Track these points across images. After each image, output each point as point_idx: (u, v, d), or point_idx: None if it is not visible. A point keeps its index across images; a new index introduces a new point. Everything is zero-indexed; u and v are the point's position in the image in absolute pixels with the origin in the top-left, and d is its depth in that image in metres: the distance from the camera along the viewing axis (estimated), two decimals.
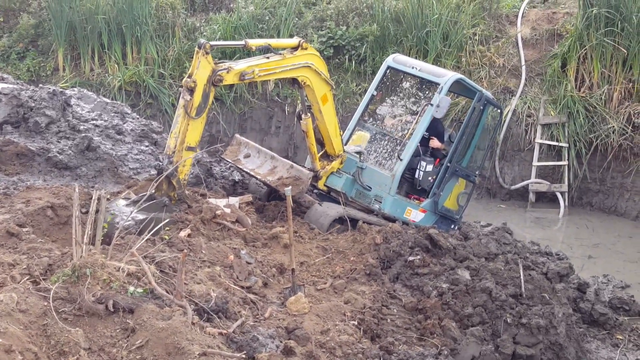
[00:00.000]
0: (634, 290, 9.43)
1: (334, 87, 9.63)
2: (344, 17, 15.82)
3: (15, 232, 6.17)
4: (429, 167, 9.49)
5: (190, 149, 7.40)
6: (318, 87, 8.61)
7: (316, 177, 9.11)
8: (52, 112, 9.49)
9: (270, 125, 15.76)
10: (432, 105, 9.29)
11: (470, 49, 14.93)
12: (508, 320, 6.68)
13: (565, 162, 13.92)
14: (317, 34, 15.47)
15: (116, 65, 15.95)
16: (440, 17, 14.83)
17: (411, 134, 9.53)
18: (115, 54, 15.98)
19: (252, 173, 9.01)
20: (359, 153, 9.49)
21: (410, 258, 7.50)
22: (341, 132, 9.38)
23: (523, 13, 15.40)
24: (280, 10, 15.84)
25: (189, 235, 6.84)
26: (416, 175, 9.50)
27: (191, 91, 7.28)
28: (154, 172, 9.02)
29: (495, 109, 10.59)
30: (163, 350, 4.51)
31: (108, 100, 11.45)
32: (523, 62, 14.72)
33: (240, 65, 7.78)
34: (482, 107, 9.77)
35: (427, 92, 10.10)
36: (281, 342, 5.31)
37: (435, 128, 9.77)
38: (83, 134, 9.41)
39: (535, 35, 15.05)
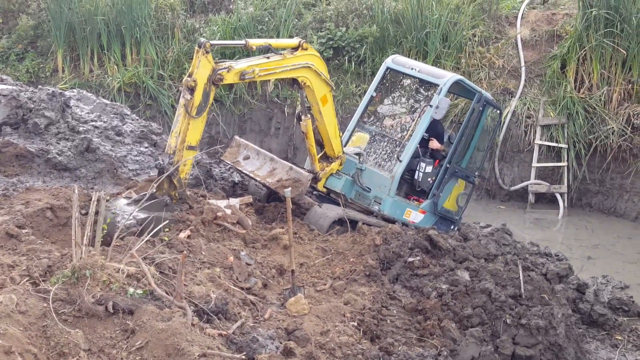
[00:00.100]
0: (633, 291, 9.43)
1: (334, 88, 9.63)
2: (344, 18, 15.82)
3: (14, 233, 6.18)
4: (429, 168, 9.49)
5: (191, 148, 7.40)
6: (318, 88, 8.62)
7: (316, 179, 9.11)
8: (51, 114, 9.50)
9: (270, 126, 15.77)
10: (431, 106, 9.29)
11: (469, 50, 14.94)
12: (507, 321, 6.68)
13: (564, 163, 13.92)
14: (317, 35, 15.47)
15: (115, 67, 15.95)
16: (440, 18, 14.84)
17: (410, 135, 9.54)
18: (114, 55, 15.98)
19: (251, 175, 9.01)
20: (359, 154, 9.49)
21: (410, 259, 7.50)
22: (340, 134, 9.38)
23: (522, 14, 15.41)
24: (279, 12, 15.84)
25: (188, 237, 6.84)
26: (415, 177, 9.51)
27: (191, 90, 7.28)
28: (153, 173, 9.04)
29: (495, 110, 10.59)
30: (163, 352, 4.51)
31: (107, 102, 11.46)
32: (522, 63, 14.73)
33: (241, 64, 7.78)
34: (481, 108, 9.77)
35: (426, 93, 10.10)
36: (281, 343, 5.31)
37: (434, 129, 9.77)
38: (82, 135, 9.42)
39: (535, 36, 15.06)
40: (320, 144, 9.16)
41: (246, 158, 9.23)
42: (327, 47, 15.26)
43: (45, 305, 4.66)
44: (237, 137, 9.88)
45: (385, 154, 9.58)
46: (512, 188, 14.31)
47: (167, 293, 5.20)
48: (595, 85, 13.94)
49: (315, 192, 9.41)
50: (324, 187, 9.34)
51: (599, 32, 13.64)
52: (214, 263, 6.44)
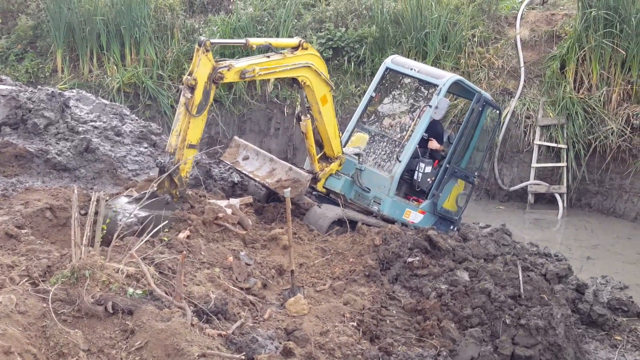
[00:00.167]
0: (633, 291, 9.43)
1: (334, 88, 9.62)
2: (343, 19, 15.82)
3: (14, 233, 6.18)
4: (428, 169, 9.50)
5: (191, 146, 7.40)
6: (318, 88, 8.62)
7: (315, 179, 9.12)
8: (50, 114, 9.49)
9: (269, 126, 15.76)
10: (430, 106, 9.30)
11: (469, 50, 14.94)
12: (507, 321, 6.68)
13: (564, 164, 13.92)
14: (316, 35, 15.47)
15: (115, 67, 15.94)
16: (439, 18, 14.84)
17: (410, 135, 9.54)
18: (114, 56, 15.98)
19: (251, 175, 9.01)
20: (358, 155, 9.49)
21: (410, 259, 7.51)
22: (340, 134, 9.39)
23: (522, 14, 15.41)
24: (279, 12, 15.84)
25: (188, 237, 6.84)
26: (415, 177, 9.51)
27: (192, 89, 7.27)
28: (152, 173, 9.04)
29: (494, 110, 10.60)
30: (162, 352, 4.51)
31: (107, 102, 11.45)
32: (522, 64, 14.73)
33: (241, 63, 7.78)
34: (480, 109, 9.78)
35: (425, 94, 10.11)
36: (280, 343, 5.31)
37: (434, 129, 9.77)
38: (82, 136, 9.41)
39: (534, 36, 15.06)
40: (319, 144, 9.16)
41: (245, 158, 9.23)
42: (326, 48, 15.25)
43: (44, 305, 4.66)
44: (236, 137, 9.88)
45: (384, 154, 9.59)
46: (512, 188, 14.32)
47: (166, 293, 5.19)
48: (595, 85, 13.95)
49: (314, 193, 9.41)
50: (324, 187, 9.34)
51: (598, 32, 13.64)
52: (213, 263, 6.44)
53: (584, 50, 13.87)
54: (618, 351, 7.50)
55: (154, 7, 16.31)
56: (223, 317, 5.38)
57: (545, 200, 14.19)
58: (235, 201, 8.25)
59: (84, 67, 16.16)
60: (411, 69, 9.79)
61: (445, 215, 9.78)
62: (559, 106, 13.98)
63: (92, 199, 5.57)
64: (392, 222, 8.98)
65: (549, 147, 14.07)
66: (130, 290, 5.06)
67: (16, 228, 6.30)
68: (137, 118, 11.48)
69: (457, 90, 10.55)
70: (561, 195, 13.85)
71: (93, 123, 10.14)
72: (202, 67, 7.29)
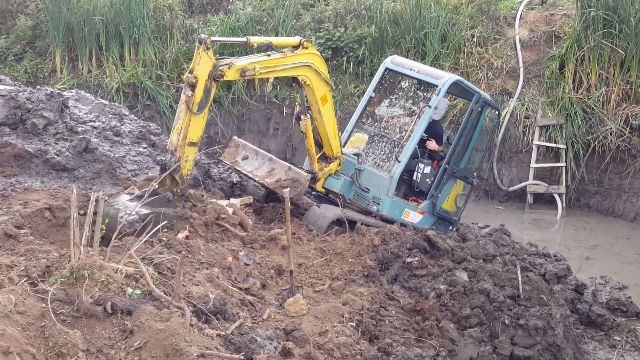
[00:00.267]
0: (632, 291, 9.44)
1: (334, 87, 9.62)
2: (342, 19, 15.82)
3: (13, 233, 6.17)
4: (427, 169, 9.50)
5: (192, 144, 7.41)
6: (318, 87, 8.62)
7: (314, 179, 9.12)
8: (49, 114, 9.48)
9: (268, 127, 15.76)
10: (430, 107, 9.30)
11: (468, 50, 14.94)
12: (506, 322, 6.69)
13: (563, 164, 13.93)
14: (315, 35, 15.46)
15: (114, 67, 15.92)
16: (439, 18, 14.83)
17: (409, 135, 9.55)
18: (113, 56, 15.96)
19: (250, 175, 9.01)
20: (357, 155, 9.49)
21: (408, 259, 7.51)
22: (339, 134, 9.39)
23: (521, 15, 15.42)
24: (278, 12, 15.84)
25: (187, 237, 6.84)
26: (414, 177, 9.51)
27: (193, 87, 7.27)
28: (152, 173, 9.04)
29: (493, 110, 10.61)
30: (161, 352, 4.51)
31: (106, 102, 11.44)
32: (521, 64, 14.73)
33: (242, 61, 7.78)
34: (480, 109, 9.78)
35: (425, 94, 10.11)
36: (279, 343, 5.32)
37: (433, 130, 9.78)
38: (81, 136, 9.41)
39: (533, 37, 15.07)
40: (319, 144, 9.16)
41: (245, 158, 9.23)
42: (325, 48, 15.25)
43: (43, 305, 4.65)
44: (235, 137, 9.88)
45: (384, 154, 9.59)
46: (511, 188, 14.32)
47: (165, 293, 5.20)
48: (594, 85, 13.96)
49: (314, 193, 9.41)
50: (323, 187, 9.34)
51: (597, 32, 13.65)
52: (212, 263, 6.44)
53: (583, 51, 13.88)
54: (617, 351, 7.50)
55: (153, 7, 16.30)
56: (222, 317, 5.38)
57: (544, 201, 14.20)
58: (235, 201, 8.25)
59: (83, 67, 16.15)
60: (411, 70, 9.79)
61: (444, 215, 9.78)
62: (558, 106, 13.98)
63: (91, 199, 5.56)
64: (391, 222, 8.98)
65: (548, 147, 14.07)
66: (129, 290, 5.06)
67: (15, 228, 6.29)
68: (136, 118, 11.46)
69: (456, 90, 10.56)
70: (560, 195, 13.86)
71: (92, 123, 10.13)
72: (202, 65, 7.29)
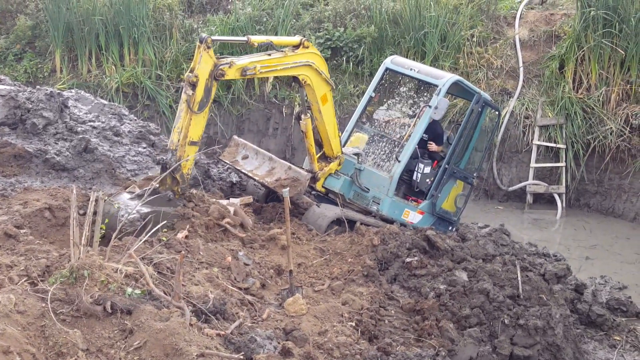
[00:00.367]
0: (632, 291, 9.44)
1: (334, 87, 9.62)
2: (342, 19, 15.82)
3: (12, 233, 6.18)
4: (427, 169, 9.50)
5: (193, 143, 7.41)
6: (318, 87, 8.62)
7: (314, 179, 9.12)
8: (49, 114, 9.49)
9: (268, 126, 15.76)
10: (430, 107, 9.30)
11: (468, 50, 14.94)
12: (505, 322, 6.69)
13: (562, 164, 13.93)
14: (315, 35, 15.46)
15: (113, 67, 15.92)
16: (438, 18, 14.83)
17: (409, 135, 9.55)
18: (112, 56, 15.96)
19: (250, 174, 9.01)
20: (357, 155, 9.49)
21: (408, 259, 7.51)
22: (339, 134, 9.38)
23: (521, 14, 15.42)
24: (277, 12, 15.83)
25: (186, 237, 6.84)
26: (414, 177, 9.51)
27: (193, 86, 7.27)
28: (151, 173, 9.04)
29: (493, 110, 10.61)
30: (161, 352, 4.51)
31: (105, 102, 11.44)
32: (521, 64, 14.73)
33: (243, 60, 7.78)
34: (480, 109, 9.78)
35: (425, 94, 10.11)
36: (279, 343, 5.32)
37: (433, 130, 9.78)
38: (80, 136, 9.41)
39: (533, 36, 15.07)
40: (319, 144, 9.16)
41: (245, 157, 9.23)
42: (325, 48, 15.24)
43: (43, 305, 4.65)
44: (235, 136, 9.89)
45: (384, 154, 9.59)
46: (510, 188, 14.32)
47: (165, 293, 5.19)
48: (594, 85, 13.96)
49: (313, 192, 9.41)
50: (323, 187, 9.34)
51: (597, 32, 13.65)
52: (212, 263, 6.44)
53: (583, 50, 13.88)
54: (617, 351, 7.50)
55: (152, 7, 16.29)
56: (222, 317, 5.38)
57: (544, 200, 14.19)
58: (235, 201, 8.25)
59: (82, 67, 16.14)
60: (411, 69, 9.79)
61: (444, 215, 9.78)
62: (557, 106, 13.98)
63: (90, 199, 5.56)
64: (391, 222, 8.98)
65: (547, 147, 14.07)
66: (129, 290, 5.06)
67: (15, 228, 6.30)
68: (135, 118, 11.46)
69: (456, 90, 10.56)
70: (560, 195, 13.85)
71: (92, 123, 10.13)
72: (203, 64, 7.29)
